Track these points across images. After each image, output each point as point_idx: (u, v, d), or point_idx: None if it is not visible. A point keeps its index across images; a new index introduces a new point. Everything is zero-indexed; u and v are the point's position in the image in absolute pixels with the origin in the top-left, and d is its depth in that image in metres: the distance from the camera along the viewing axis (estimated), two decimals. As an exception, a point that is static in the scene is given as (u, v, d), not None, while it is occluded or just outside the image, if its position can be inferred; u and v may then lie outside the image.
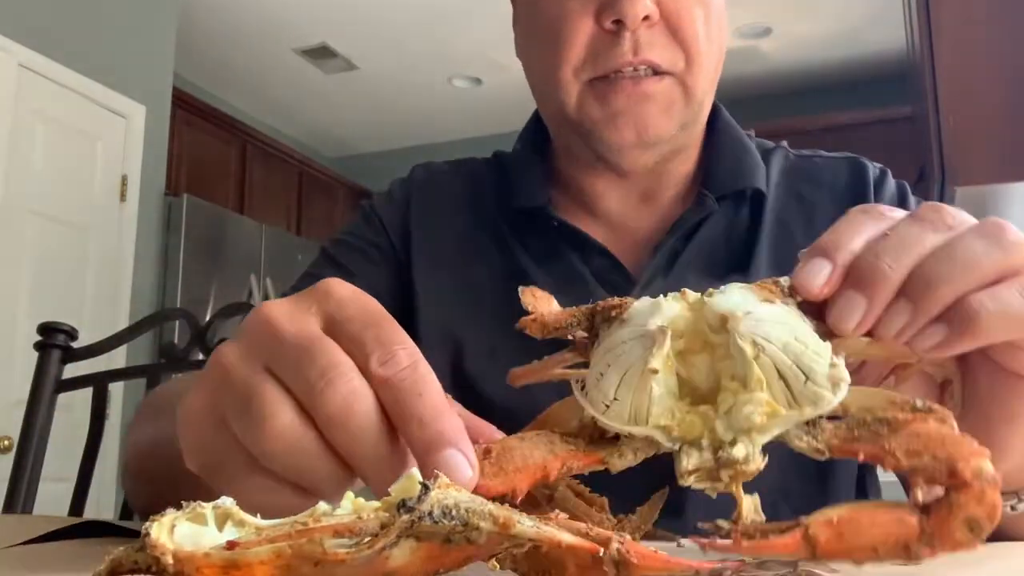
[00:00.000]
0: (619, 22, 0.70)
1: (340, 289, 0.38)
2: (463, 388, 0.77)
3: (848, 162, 0.85)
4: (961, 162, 2.21)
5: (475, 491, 0.32)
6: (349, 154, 6.08)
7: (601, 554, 0.28)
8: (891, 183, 0.83)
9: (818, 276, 0.37)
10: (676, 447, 0.35)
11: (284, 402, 0.34)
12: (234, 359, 0.36)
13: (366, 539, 0.27)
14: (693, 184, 0.82)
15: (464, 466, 0.33)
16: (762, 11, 4.20)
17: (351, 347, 0.35)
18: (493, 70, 4.81)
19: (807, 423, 0.35)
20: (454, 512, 0.27)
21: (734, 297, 0.37)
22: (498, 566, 0.30)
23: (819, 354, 0.35)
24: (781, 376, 0.35)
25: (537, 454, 0.35)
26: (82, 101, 3.29)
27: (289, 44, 4.58)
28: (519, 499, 0.34)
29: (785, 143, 0.89)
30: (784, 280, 0.38)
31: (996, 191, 2.28)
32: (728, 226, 0.80)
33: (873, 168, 0.84)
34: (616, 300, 0.39)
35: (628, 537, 0.29)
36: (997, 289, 0.37)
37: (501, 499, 0.32)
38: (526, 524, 0.28)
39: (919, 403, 0.36)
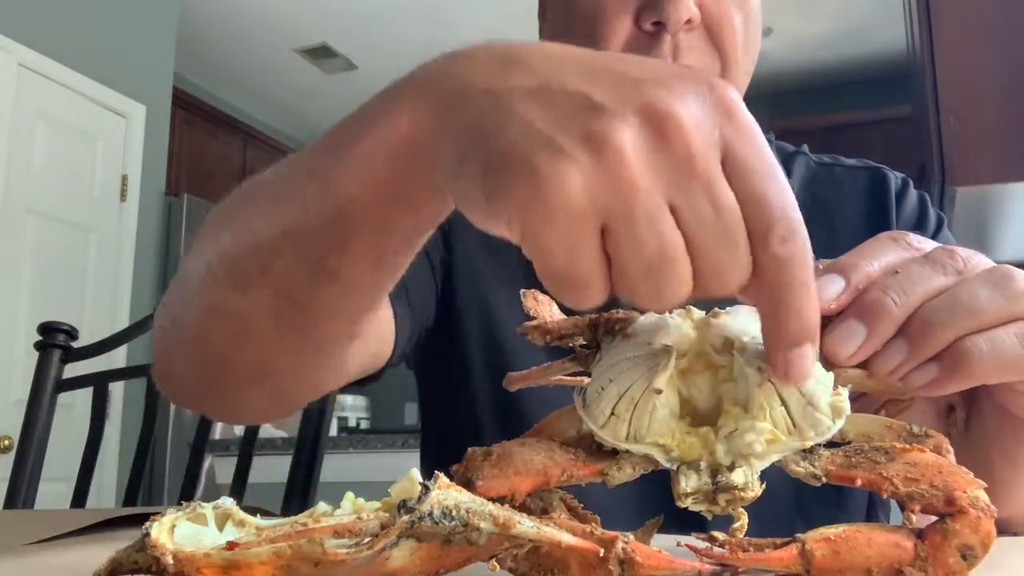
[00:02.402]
0: (659, 24, 0.68)
1: (740, 107, 0.32)
2: (492, 338, 0.77)
3: (870, 172, 0.84)
4: (961, 162, 2.20)
5: (475, 492, 0.32)
6: (349, 154, 6.07)
7: (602, 554, 0.29)
8: (912, 194, 0.82)
9: (827, 292, 0.37)
10: (674, 467, 0.35)
11: (688, 265, 0.32)
12: (643, 172, 0.31)
13: (366, 539, 0.26)
14: None
15: (812, 362, 0.34)
16: (763, 11, 4.19)
17: (747, 204, 0.32)
18: (493, 70, 4.81)
19: (805, 449, 0.35)
20: (454, 512, 0.27)
21: (740, 319, 0.37)
22: (498, 566, 0.30)
23: (822, 382, 0.35)
24: (783, 402, 0.35)
25: (538, 459, 0.35)
26: (82, 101, 3.29)
27: (289, 44, 4.58)
28: (519, 502, 0.34)
29: (806, 148, 0.87)
30: None
31: (996, 191, 2.28)
32: None
33: (895, 179, 0.83)
34: (620, 313, 0.39)
35: (632, 537, 0.29)
36: (993, 332, 0.37)
37: (500, 501, 0.32)
38: (527, 525, 0.28)
39: (915, 428, 0.36)
